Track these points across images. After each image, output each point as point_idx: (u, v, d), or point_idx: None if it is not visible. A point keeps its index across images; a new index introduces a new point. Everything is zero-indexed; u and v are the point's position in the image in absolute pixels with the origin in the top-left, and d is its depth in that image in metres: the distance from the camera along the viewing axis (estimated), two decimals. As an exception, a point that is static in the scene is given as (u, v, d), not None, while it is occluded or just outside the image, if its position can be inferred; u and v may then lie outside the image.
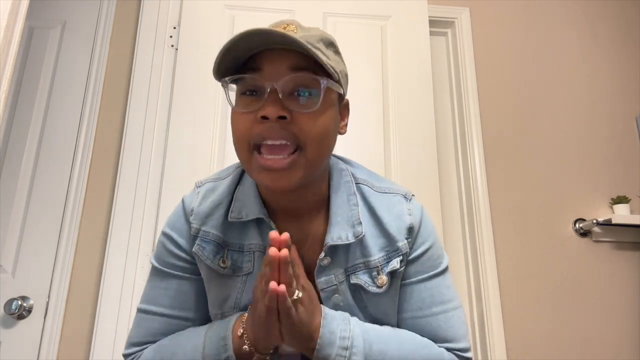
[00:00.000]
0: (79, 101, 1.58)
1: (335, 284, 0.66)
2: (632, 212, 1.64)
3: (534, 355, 1.52)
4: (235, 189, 0.71)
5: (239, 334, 0.61)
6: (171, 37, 1.64)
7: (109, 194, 1.51)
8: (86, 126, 1.55)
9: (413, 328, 0.68)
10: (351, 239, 0.66)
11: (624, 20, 1.95)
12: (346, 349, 0.60)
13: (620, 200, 1.64)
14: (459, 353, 0.67)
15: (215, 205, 0.69)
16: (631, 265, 1.65)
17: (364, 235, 0.66)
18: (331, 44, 0.64)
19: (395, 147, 1.55)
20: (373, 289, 0.67)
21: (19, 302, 1.35)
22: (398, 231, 0.68)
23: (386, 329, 0.67)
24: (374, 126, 1.56)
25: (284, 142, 0.57)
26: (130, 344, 0.70)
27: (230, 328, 0.62)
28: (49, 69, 1.60)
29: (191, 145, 1.49)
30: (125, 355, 0.70)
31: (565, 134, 1.77)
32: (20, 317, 1.36)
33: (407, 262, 0.69)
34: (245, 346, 0.60)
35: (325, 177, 0.70)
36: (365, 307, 0.68)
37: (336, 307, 0.66)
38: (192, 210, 0.70)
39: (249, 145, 0.59)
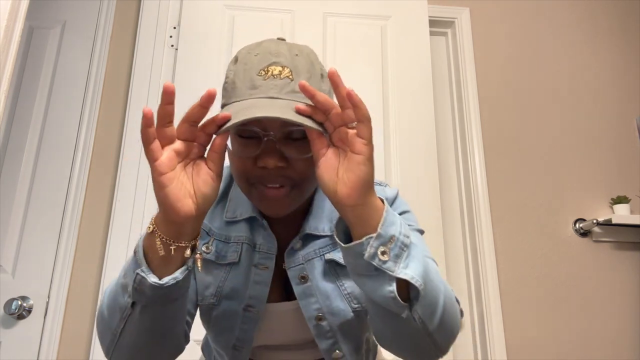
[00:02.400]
0: (79, 101, 1.58)
1: (302, 263, 0.69)
2: (632, 212, 1.64)
3: (534, 355, 1.52)
4: (227, 188, 0.74)
5: (149, 231, 0.53)
6: (171, 37, 1.64)
7: (109, 194, 1.51)
8: (86, 126, 1.55)
9: None
10: (327, 232, 0.70)
11: (624, 20, 1.95)
12: (407, 236, 0.53)
13: (620, 200, 1.64)
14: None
15: None
16: (631, 265, 1.65)
17: None
18: (322, 76, 0.66)
19: (395, 147, 1.55)
20: None
21: (19, 302, 1.35)
22: None
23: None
24: (373, 126, 1.56)
25: (281, 185, 0.61)
26: None
27: (140, 238, 0.56)
28: (49, 69, 1.60)
29: (191, 145, 1.48)
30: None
31: (565, 134, 1.77)
32: (20, 317, 1.36)
33: None
34: (158, 240, 0.51)
35: None
36: (342, 283, 0.69)
37: (302, 285, 0.68)
38: None
39: (247, 181, 0.63)
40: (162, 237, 0.51)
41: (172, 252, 0.51)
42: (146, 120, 0.49)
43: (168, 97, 0.52)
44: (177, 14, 1.66)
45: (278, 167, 0.59)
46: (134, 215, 1.46)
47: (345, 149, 0.53)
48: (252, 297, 0.69)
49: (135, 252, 0.53)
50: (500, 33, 1.86)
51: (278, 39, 0.69)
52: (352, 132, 0.53)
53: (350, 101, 0.52)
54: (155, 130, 0.51)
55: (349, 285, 0.69)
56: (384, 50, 1.65)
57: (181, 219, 0.50)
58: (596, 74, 1.86)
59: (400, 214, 0.70)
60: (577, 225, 1.66)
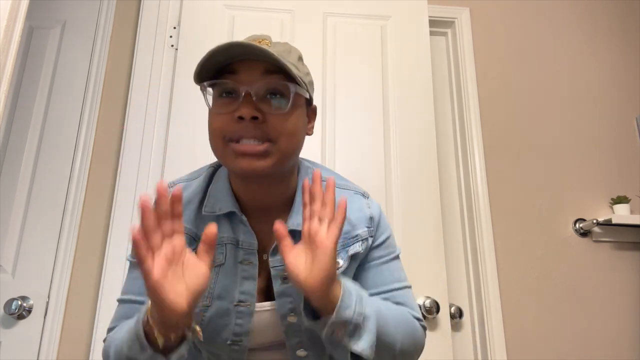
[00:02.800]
0: (79, 101, 1.58)
1: (284, 265, 0.70)
2: (632, 212, 1.64)
3: (534, 355, 1.52)
4: (207, 187, 0.76)
5: (144, 320, 0.57)
6: (171, 37, 1.64)
7: (109, 194, 1.51)
8: (86, 126, 1.55)
9: None
10: None
11: (624, 20, 1.95)
12: (361, 313, 0.62)
13: (620, 200, 1.64)
14: (418, 317, 0.77)
15: (188, 202, 0.74)
16: (631, 265, 1.65)
17: None
18: (299, 58, 0.71)
19: (395, 147, 1.55)
20: None
21: (19, 302, 1.35)
22: (358, 221, 0.76)
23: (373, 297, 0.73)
24: (373, 126, 1.56)
25: (257, 142, 0.64)
26: (107, 330, 0.75)
27: (142, 311, 0.59)
28: (49, 69, 1.60)
29: (191, 145, 1.49)
30: (103, 340, 0.74)
31: (565, 134, 1.77)
32: (20, 317, 1.36)
33: (370, 248, 0.77)
34: (155, 331, 0.55)
35: (294, 174, 0.76)
36: None
37: (284, 285, 0.71)
38: None
39: (224, 139, 0.65)
40: (160, 329, 0.55)
41: (172, 338, 0.56)
42: (137, 242, 0.51)
43: (148, 213, 0.53)
44: (177, 14, 1.66)
45: (254, 117, 0.62)
46: (134, 215, 1.46)
47: (313, 244, 0.60)
48: (242, 293, 0.70)
49: (137, 336, 0.56)
50: (500, 33, 1.86)
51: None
52: (322, 228, 0.60)
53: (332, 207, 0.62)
54: (147, 243, 0.53)
55: None
56: (384, 50, 1.65)
57: (176, 317, 0.53)
58: (596, 74, 1.86)
59: (382, 242, 0.79)
60: (577, 225, 1.66)
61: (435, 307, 1.39)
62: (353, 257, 0.75)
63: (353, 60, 1.63)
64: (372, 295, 0.74)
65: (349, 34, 1.66)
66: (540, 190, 1.69)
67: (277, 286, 0.71)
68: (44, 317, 1.38)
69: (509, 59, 1.83)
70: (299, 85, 0.66)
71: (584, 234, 1.66)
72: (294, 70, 0.63)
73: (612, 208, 1.68)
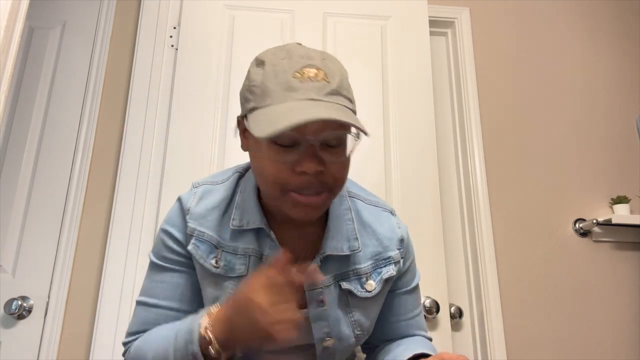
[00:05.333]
0: (79, 101, 1.58)
1: (321, 288, 0.70)
2: (632, 212, 1.64)
3: (534, 355, 1.52)
4: (233, 195, 0.74)
5: (205, 326, 0.59)
6: (171, 37, 1.64)
7: (109, 194, 1.51)
8: (86, 126, 1.55)
9: (400, 328, 0.80)
10: (346, 252, 0.71)
11: (624, 20, 1.95)
12: None
13: (620, 200, 1.64)
14: (429, 337, 0.82)
15: (212, 208, 0.72)
16: (631, 265, 1.65)
17: (360, 250, 0.72)
18: (347, 78, 0.68)
19: (395, 147, 1.55)
20: (362, 293, 0.72)
21: (19, 302, 1.35)
22: (391, 242, 0.75)
23: None
24: (374, 126, 1.56)
25: (316, 193, 0.62)
26: (128, 334, 0.73)
27: (197, 320, 0.61)
28: (49, 69, 1.60)
29: (191, 145, 1.49)
30: (123, 344, 0.73)
31: (565, 134, 1.77)
32: (20, 317, 1.36)
33: (400, 272, 0.77)
34: (210, 339, 0.58)
35: None
36: (351, 312, 0.73)
37: (319, 308, 0.70)
38: (188, 210, 0.72)
39: (282, 188, 0.62)
40: (226, 348, 0.58)
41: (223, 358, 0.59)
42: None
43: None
44: (177, 14, 1.66)
45: (317, 171, 0.60)
46: (134, 215, 1.46)
47: None
48: None
49: (192, 354, 0.59)
50: (500, 33, 1.86)
51: (297, 43, 0.69)
52: None
53: None
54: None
55: (357, 314, 0.73)
56: (384, 50, 1.65)
57: (269, 345, 0.56)
58: (596, 74, 1.86)
59: (409, 266, 0.79)
60: (577, 225, 1.66)
61: (435, 307, 1.39)
62: (386, 281, 0.75)
63: (353, 60, 1.63)
64: (399, 322, 0.79)
65: (349, 34, 1.66)
66: (540, 190, 1.69)
67: (312, 309, 0.70)
68: (44, 317, 1.38)
69: (509, 59, 1.83)
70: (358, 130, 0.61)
71: (584, 234, 1.66)
72: (358, 124, 0.59)
73: (612, 208, 1.68)
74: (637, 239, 1.66)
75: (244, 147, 0.69)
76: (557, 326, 1.56)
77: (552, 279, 1.60)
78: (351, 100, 0.65)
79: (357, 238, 0.72)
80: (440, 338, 1.41)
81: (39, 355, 1.34)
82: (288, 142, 0.60)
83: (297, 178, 0.60)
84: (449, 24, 1.86)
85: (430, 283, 1.43)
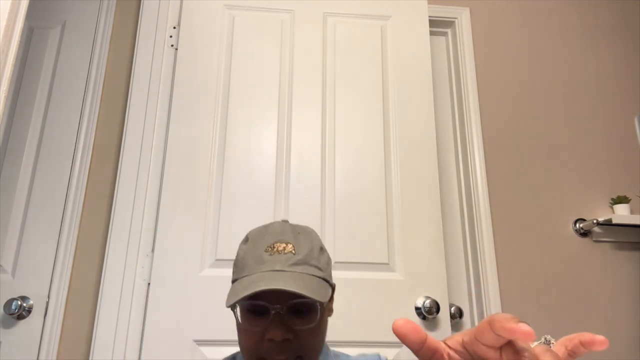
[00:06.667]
0: (79, 101, 1.58)
1: None
2: (632, 212, 1.64)
3: (534, 355, 1.51)
4: None
5: None
6: (171, 37, 1.64)
7: (109, 194, 1.51)
8: (86, 126, 1.55)
9: None
10: None
11: (624, 20, 1.95)
12: None
13: (620, 200, 1.64)
14: None
15: None
16: (631, 265, 1.65)
17: None
18: (321, 248, 0.74)
19: (395, 147, 1.55)
20: None
21: (19, 302, 1.35)
22: None
23: None
24: (373, 126, 1.56)
25: (287, 358, 0.66)
26: None
27: None
28: (48, 69, 1.60)
29: (191, 145, 1.49)
30: None
31: (565, 134, 1.77)
32: (20, 317, 1.36)
33: None
34: None
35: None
36: None
37: None
38: None
39: (256, 356, 0.67)
40: None
41: None
42: None
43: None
44: (177, 14, 1.66)
45: (285, 339, 0.65)
46: (134, 216, 1.46)
47: None
48: None
49: None
50: (500, 33, 1.86)
51: (283, 221, 0.77)
52: None
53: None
54: None
55: None
56: (384, 50, 1.65)
57: None
58: (596, 74, 1.86)
59: None
60: (577, 225, 1.66)
61: (435, 307, 1.39)
62: None
63: (353, 60, 1.63)
64: None
65: (349, 34, 1.66)
66: (540, 190, 1.69)
67: None
68: (44, 317, 1.38)
69: (509, 59, 1.83)
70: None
71: (584, 234, 1.66)
72: (318, 295, 0.64)
73: (612, 208, 1.68)
74: (637, 239, 1.66)
75: (237, 324, 0.74)
76: (557, 326, 1.56)
77: (552, 279, 1.60)
78: (320, 268, 0.71)
79: None
80: (441, 338, 1.40)
81: (39, 355, 1.34)
82: (258, 311, 0.66)
83: (266, 345, 0.65)
84: (449, 24, 1.86)
85: (430, 283, 1.43)
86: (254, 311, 0.67)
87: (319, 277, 0.69)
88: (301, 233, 0.73)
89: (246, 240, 0.74)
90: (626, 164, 1.76)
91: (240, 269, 0.70)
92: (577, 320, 1.57)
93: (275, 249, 0.69)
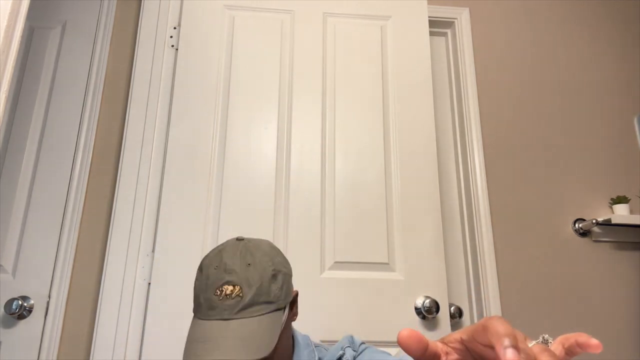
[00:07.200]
0: (80, 101, 1.58)
1: None
2: (631, 212, 1.64)
3: (533, 355, 1.52)
4: None
5: None
6: (171, 37, 1.64)
7: (109, 194, 1.51)
8: (86, 126, 1.55)
9: None
10: None
11: (624, 20, 1.95)
12: None
13: (620, 200, 1.64)
14: None
15: None
16: (631, 265, 1.65)
17: None
18: (274, 277, 0.76)
19: (395, 148, 1.55)
20: None
21: (20, 302, 1.35)
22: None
23: None
24: (373, 127, 1.57)
25: None
26: None
27: None
28: (49, 69, 1.60)
29: (191, 145, 1.49)
30: None
31: (565, 134, 1.77)
32: (21, 317, 1.37)
33: None
34: None
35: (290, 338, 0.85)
36: None
37: None
38: None
39: None
40: None
41: None
42: None
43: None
44: (178, 14, 1.66)
45: None
46: (134, 216, 1.46)
47: None
48: None
49: None
50: (500, 33, 1.86)
51: (237, 239, 0.79)
52: None
53: None
54: None
55: None
56: (384, 50, 1.66)
57: None
58: (596, 74, 1.86)
59: None
60: (576, 225, 1.66)
61: (435, 307, 1.39)
62: None
63: (353, 60, 1.63)
64: None
65: (349, 34, 1.66)
66: (540, 190, 1.69)
67: None
68: (45, 317, 1.38)
69: (509, 59, 1.84)
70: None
71: (584, 233, 1.66)
72: (262, 349, 0.68)
73: (611, 208, 1.68)
74: (637, 239, 1.66)
75: None
76: (557, 326, 1.56)
77: (551, 279, 1.60)
78: (270, 302, 0.74)
79: None
80: (440, 338, 1.41)
81: (40, 355, 1.35)
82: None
83: None
84: (448, 24, 1.86)
85: (430, 283, 1.43)
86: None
87: (270, 312, 0.73)
88: (251, 264, 0.75)
89: (200, 269, 0.77)
90: (626, 164, 1.76)
91: (196, 305, 0.75)
92: (577, 319, 1.57)
93: (223, 292, 0.72)
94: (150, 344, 1.31)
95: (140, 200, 1.47)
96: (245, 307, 0.71)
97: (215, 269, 0.75)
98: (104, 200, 1.51)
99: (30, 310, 1.38)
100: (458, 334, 0.32)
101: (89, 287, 1.43)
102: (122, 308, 1.37)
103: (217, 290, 0.72)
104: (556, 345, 0.33)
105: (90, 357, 1.34)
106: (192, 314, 0.77)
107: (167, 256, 1.38)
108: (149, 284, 1.38)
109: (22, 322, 1.37)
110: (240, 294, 0.72)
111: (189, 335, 0.72)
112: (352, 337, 0.89)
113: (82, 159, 1.52)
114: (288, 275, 0.80)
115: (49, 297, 1.40)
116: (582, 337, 0.31)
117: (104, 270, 1.41)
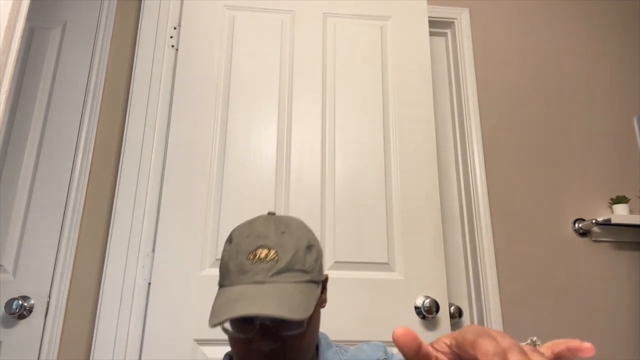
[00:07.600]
0: (80, 101, 1.58)
1: None
2: (631, 212, 1.64)
3: (533, 355, 1.52)
4: None
5: None
6: (171, 37, 1.64)
7: (109, 194, 1.51)
8: (87, 126, 1.56)
9: None
10: None
11: (624, 20, 1.95)
12: None
13: (620, 200, 1.64)
14: None
15: None
16: (631, 265, 1.65)
17: None
18: (308, 248, 0.71)
19: (394, 148, 1.55)
20: None
21: (20, 302, 1.35)
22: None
23: None
24: (373, 126, 1.57)
25: None
26: None
27: None
28: (49, 70, 1.60)
29: (191, 145, 1.49)
30: None
31: (565, 134, 1.77)
32: (21, 317, 1.37)
33: None
34: None
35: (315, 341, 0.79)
36: None
37: None
38: None
39: None
40: None
41: None
42: None
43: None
44: (178, 15, 1.66)
45: (272, 349, 0.65)
46: (135, 216, 1.46)
47: None
48: None
49: None
50: (500, 33, 1.86)
51: (269, 213, 0.74)
52: None
53: None
54: None
55: None
56: (384, 50, 1.66)
57: None
58: (596, 74, 1.86)
59: None
60: (576, 225, 1.66)
61: (435, 307, 1.39)
62: None
63: (353, 60, 1.63)
64: None
65: (349, 34, 1.66)
66: (540, 190, 1.69)
67: None
68: (45, 317, 1.38)
69: (509, 59, 1.84)
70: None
71: (584, 233, 1.66)
72: (298, 312, 0.62)
73: (611, 208, 1.68)
74: (636, 239, 1.66)
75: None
76: (557, 326, 1.56)
77: (551, 279, 1.60)
78: (305, 271, 0.68)
79: None
80: (440, 338, 1.41)
81: (40, 355, 1.35)
82: (245, 320, 0.67)
83: (255, 355, 0.66)
84: (448, 24, 1.86)
85: (430, 283, 1.43)
86: (241, 320, 0.67)
87: (305, 282, 0.67)
88: (286, 232, 0.69)
89: (230, 240, 0.71)
90: (626, 164, 1.76)
91: (224, 274, 0.68)
92: (576, 319, 1.57)
93: (257, 257, 0.66)
94: (150, 343, 1.31)
95: (140, 200, 1.47)
96: (280, 272, 0.65)
97: (247, 237, 0.68)
98: (104, 201, 1.51)
99: (30, 310, 1.38)
100: (447, 340, 0.31)
101: (89, 287, 1.43)
102: (122, 308, 1.37)
103: (250, 255, 0.66)
104: (544, 350, 0.33)
105: (90, 357, 1.34)
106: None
107: (167, 256, 1.38)
108: (149, 284, 1.38)
109: (22, 322, 1.37)
110: (276, 258, 0.66)
111: (214, 304, 0.65)
112: (384, 346, 0.83)
113: (82, 159, 1.52)
114: (321, 253, 0.75)
115: (49, 297, 1.40)
116: (573, 343, 0.31)
117: (104, 270, 1.41)
